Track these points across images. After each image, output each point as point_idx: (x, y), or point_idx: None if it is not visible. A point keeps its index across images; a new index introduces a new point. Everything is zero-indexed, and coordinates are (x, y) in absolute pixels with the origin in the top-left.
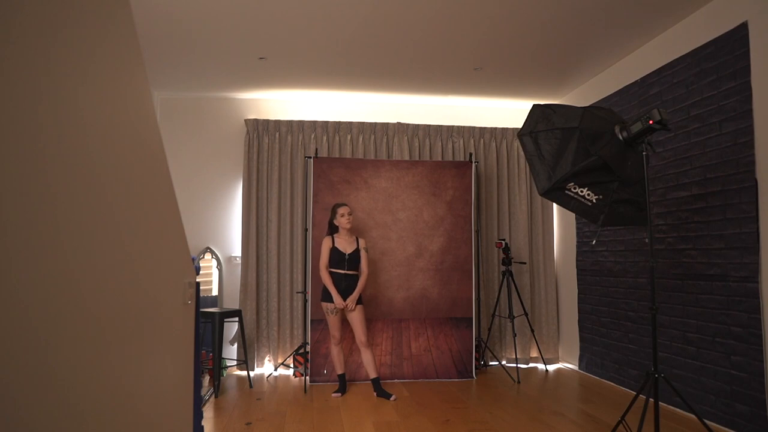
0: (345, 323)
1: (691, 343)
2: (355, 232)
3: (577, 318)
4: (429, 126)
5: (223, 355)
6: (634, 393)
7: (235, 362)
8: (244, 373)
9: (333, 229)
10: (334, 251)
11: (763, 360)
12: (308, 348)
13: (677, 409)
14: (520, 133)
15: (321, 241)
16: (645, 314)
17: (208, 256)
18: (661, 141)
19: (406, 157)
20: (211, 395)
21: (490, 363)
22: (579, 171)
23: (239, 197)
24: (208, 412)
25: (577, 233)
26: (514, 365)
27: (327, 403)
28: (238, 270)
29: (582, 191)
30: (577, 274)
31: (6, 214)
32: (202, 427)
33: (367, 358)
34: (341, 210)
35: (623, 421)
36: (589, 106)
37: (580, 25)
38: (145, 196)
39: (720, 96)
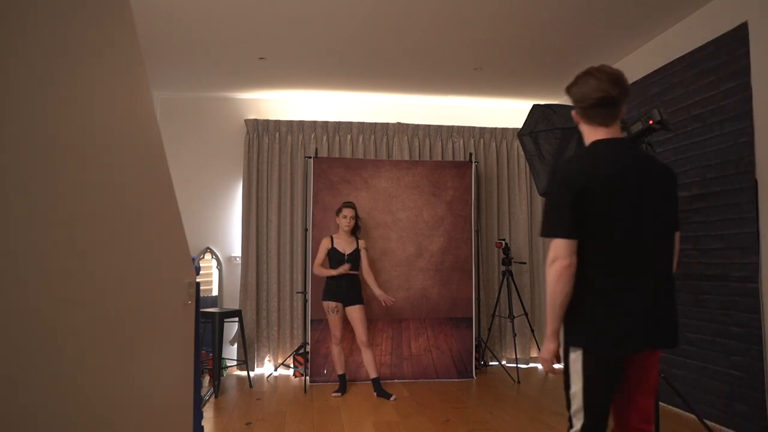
0: (345, 322)
1: (691, 343)
2: (360, 232)
3: None
4: (429, 126)
5: (223, 355)
6: None
7: (235, 362)
8: (244, 373)
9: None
10: (334, 252)
11: (763, 360)
12: (308, 348)
13: (677, 409)
14: (520, 133)
15: (320, 240)
16: None
17: (208, 256)
18: (661, 141)
19: (406, 157)
20: (211, 395)
21: (490, 363)
22: None
23: (239, 197)
24: (208, 412)
25: None
26: (514, 365)
27: (327, 403)
28: (238, 270)
29: None
30: None
31: (5, 215)
32: (202, 427)
33: (367, 357)
34: (345, 212)
35: None
36: None
37: (580, 25)
38: (145, 196)
39: (720, 96)
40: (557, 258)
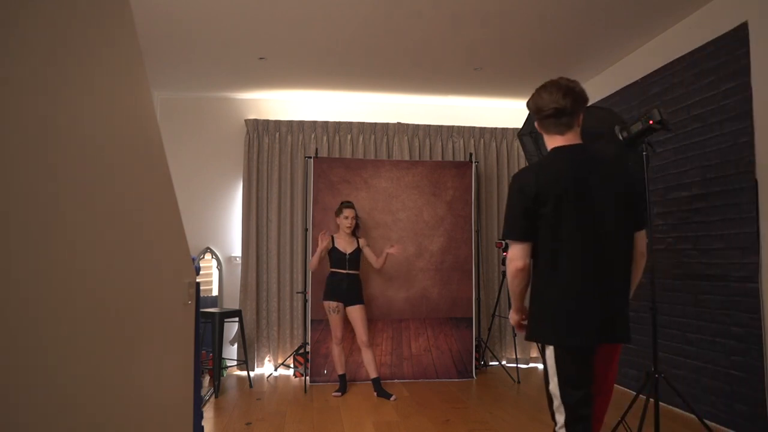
0: (346, 322)
1: (691, 343)
2: (360, 232)
3: None
4: (429, 126)
5: (223, 355)
6: (634, 393)
7: (235, 362)
8: (244, 373)
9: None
10: (335, 251)
11: (763, 360)
12: (308, 348)
13: (677, 409)
14: (520, 133)
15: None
16: (645, 314)
17: (208, 256)
18: (661, 141)
19: (406, 157)
20: (211, 395)
21: (490, 363)
22: None
23: (239, 197)
24: (208, 412)
25: None
26: (514, 365)
27: (327, 403)
28: (238, 270)
29: None
30: None
31: (5, 214)
32: (202, 427)
33: (367, 357)
34: (346, 212)
35: (623, 421)
36: (589, 106)
37: (580, 25)
38: (145, 196)
39: (720, 96)
40: (513, 260)
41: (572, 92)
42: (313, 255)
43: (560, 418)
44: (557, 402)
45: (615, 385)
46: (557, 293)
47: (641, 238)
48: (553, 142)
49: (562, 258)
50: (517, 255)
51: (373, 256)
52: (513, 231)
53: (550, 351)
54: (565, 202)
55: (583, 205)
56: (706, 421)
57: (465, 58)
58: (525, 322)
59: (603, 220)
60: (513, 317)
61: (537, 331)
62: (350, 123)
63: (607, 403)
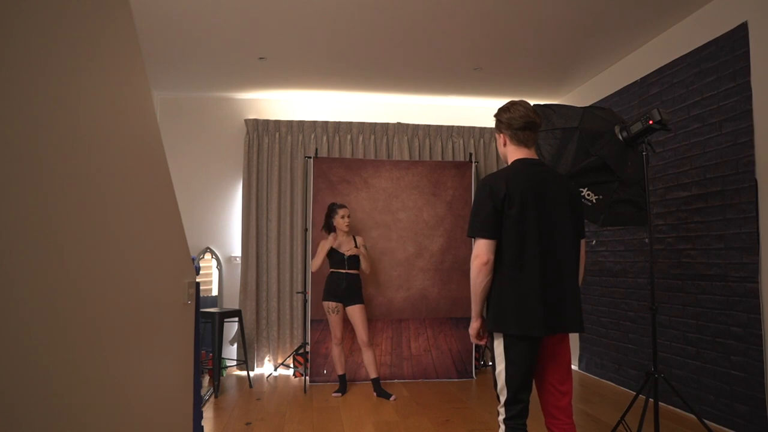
0: (346, 323)
1: (691, 343)
2: (353, 231)
3: None
4: (429, 126)
5: (223, 355)
6: (634, 393)
7: (235, 362)
8: (243, 373)
9: (329, 227)
10: (334, 252)
11: (763, 360)
12: (308, 348)
13: (677, 409)
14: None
15: (320, 241)
16: (645, 314)
17: (208, 256)
18: (661, 141)
19: (406, 157)
20: (211, 395)
21: (490, 363)
22: (579, 171)
23: (239, 197)
24: (207, 412)
25: None
26: None
27: (327, 403)
28: (238, 270)
29: (582, 191)
30: None
31: (4, 214)
32: (202, 427)
33: (368, 357)
34: (342, 212)
35: (623, 421)
36: (589, 106)
37: (580, 25)
38: (145, 196)
39: (720, 96)
40: (478, 255)
41: (537, 112)
42: (313, 256)
43: (503, 398)
44: (501, 384)
45: (614, 385)
46: (519, 288)
47: (582, 246)
48: (517, 153)
49: (524, 258)
50: (483, 251)
51: (365, 262)
52: (481, 229)
53: (499, 339)
54: (528, 209)
55: (542, 213)
56: (706, 421)
57: (465, 58)
58: (481, 341)
59: (558, 227)
60: (473, 326)
61: (494, 322)
62: (350, 123)
63: (571, 394)
